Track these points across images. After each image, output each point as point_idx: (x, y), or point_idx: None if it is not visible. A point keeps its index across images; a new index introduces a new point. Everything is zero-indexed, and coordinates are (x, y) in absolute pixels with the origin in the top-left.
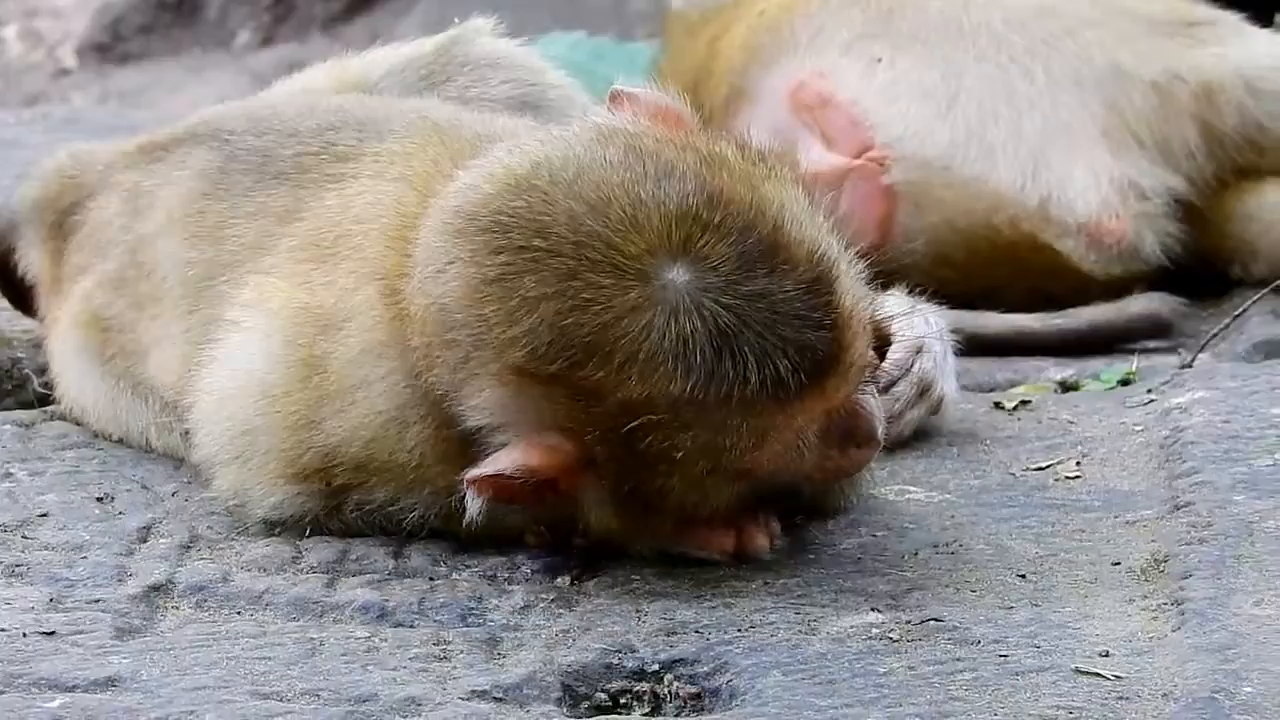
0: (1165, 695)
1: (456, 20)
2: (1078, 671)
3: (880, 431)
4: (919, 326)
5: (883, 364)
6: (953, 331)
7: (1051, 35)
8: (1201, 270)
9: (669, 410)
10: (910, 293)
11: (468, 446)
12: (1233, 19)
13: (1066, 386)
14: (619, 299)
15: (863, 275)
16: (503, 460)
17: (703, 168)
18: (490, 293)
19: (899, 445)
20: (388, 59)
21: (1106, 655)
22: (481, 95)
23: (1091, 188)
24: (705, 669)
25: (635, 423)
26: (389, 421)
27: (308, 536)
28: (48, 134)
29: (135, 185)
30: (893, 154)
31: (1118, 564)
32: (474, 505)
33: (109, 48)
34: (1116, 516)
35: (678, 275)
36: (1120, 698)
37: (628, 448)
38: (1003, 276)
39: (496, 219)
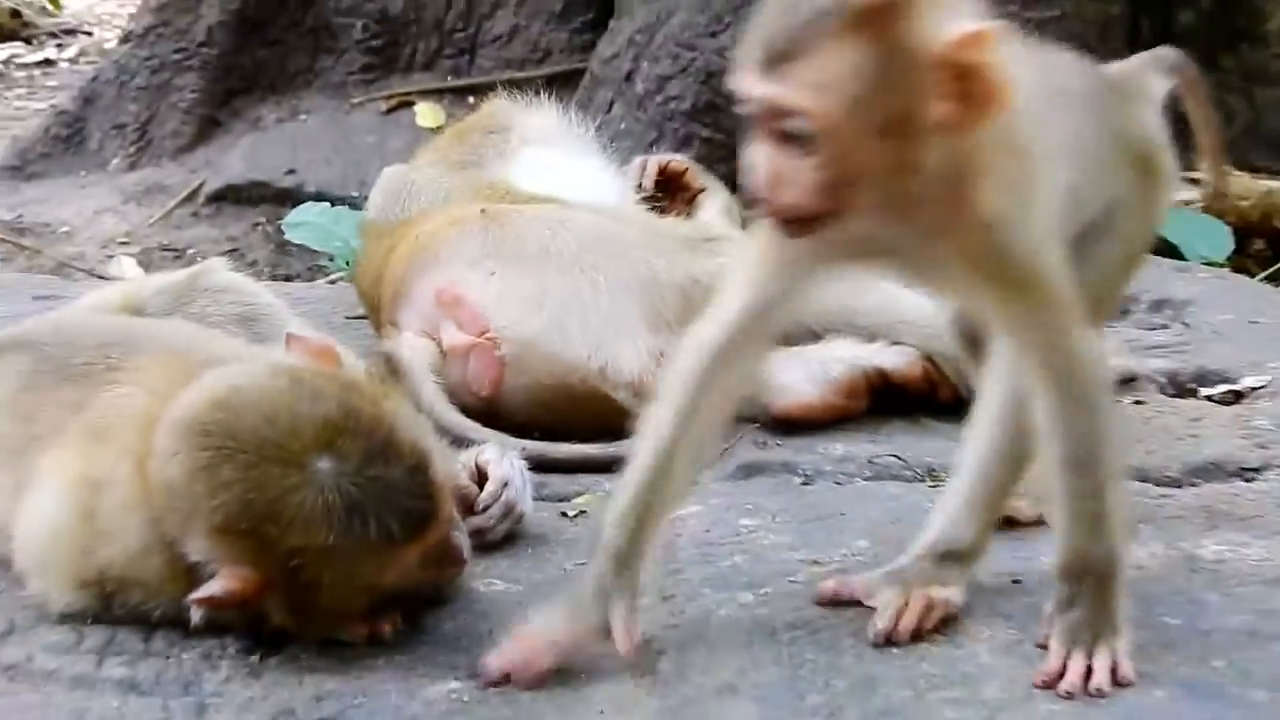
0: None
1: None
2: None
3: (466, 553)
4: (506, 468)
5: (480, 495)
6: (537, 458)
7: (609, 253)
8: None
9: (318, 554)
10: (511, 432)
11: (193, 570)
12: (740, 238)
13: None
14: (284, 481)
15: (449, 453)
16: (212, 587)
17: (341, 391)
18: (199, 476)
19: (492, 548)
20: (155, 284)
21: (601, 713)
22: (217, 311)
23: (635, 357)
24: None
25: (297, 561)
26: (137, 554)
27: (89, 624)
28: None
29: None
30: (502, 336)
31: None
32: (196, 615)
33: (20, 169)
34: None
35: (323, 465)
36: None
37: (294, 576)
38: (578, 418)
39: (204, 425)
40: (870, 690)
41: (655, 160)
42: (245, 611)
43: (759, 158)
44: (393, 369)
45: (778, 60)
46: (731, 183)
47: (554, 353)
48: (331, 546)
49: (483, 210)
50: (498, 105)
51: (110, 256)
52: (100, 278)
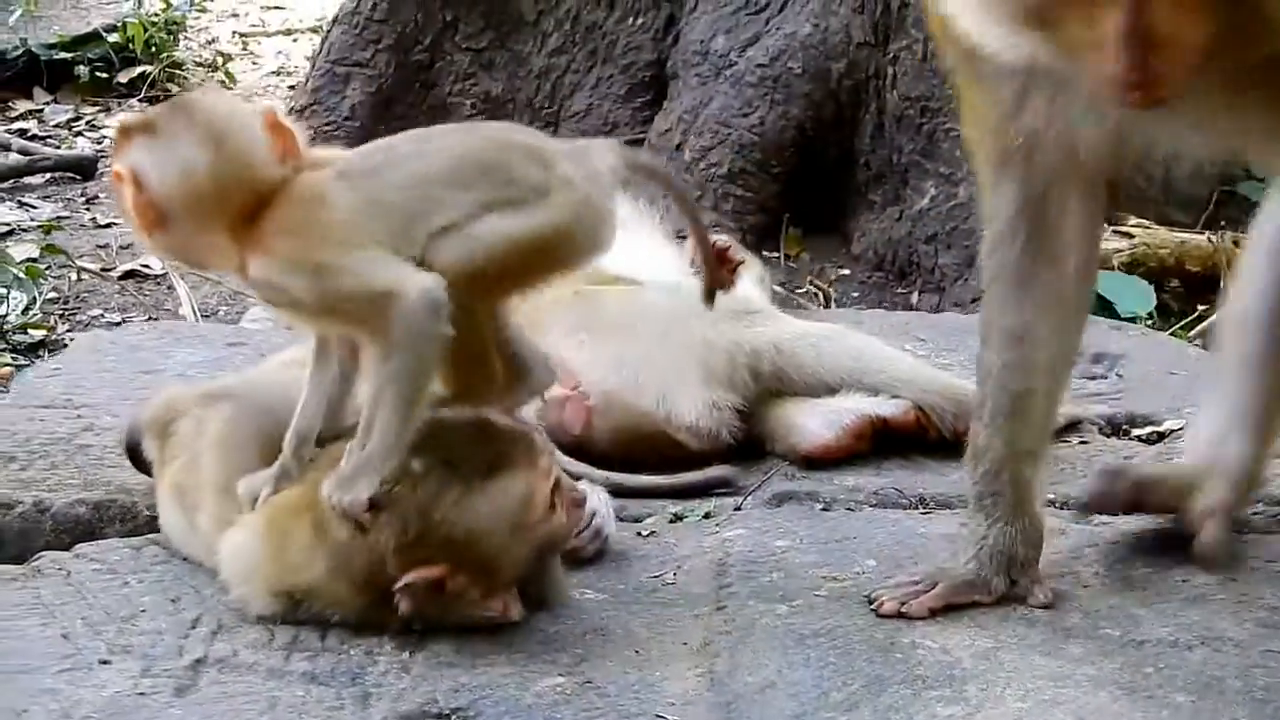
0: None
1: None
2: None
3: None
4: (595, 501)
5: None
6: (617, 486)
7: (672, 325)
8: (752, 447)
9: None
10: (596, 465)
11: (367, 585)
12: (773, 310)
13: (677, 517)
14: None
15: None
16: (420, 572)
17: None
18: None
19: (583, 562)
20: None
21: (671, 704)
22: None
23: (693, 406)
24: (471, 713)
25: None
26: (317, 579)
27: (280, 625)
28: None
29: (198, 417)
30: (590, 390)
31: (686, 643)
32: (404, 604)
33: None
34: (689, 611)
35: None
36: None
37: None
38: (648, 454)
39: None
40: (880, 689)
41: None
42: (437, 598)
43: None
44: None
45: None
46: (760, 235)
47: (630, 403)
48: (476, 503)
49: (576, 291)
50: None
51: None
52: None
